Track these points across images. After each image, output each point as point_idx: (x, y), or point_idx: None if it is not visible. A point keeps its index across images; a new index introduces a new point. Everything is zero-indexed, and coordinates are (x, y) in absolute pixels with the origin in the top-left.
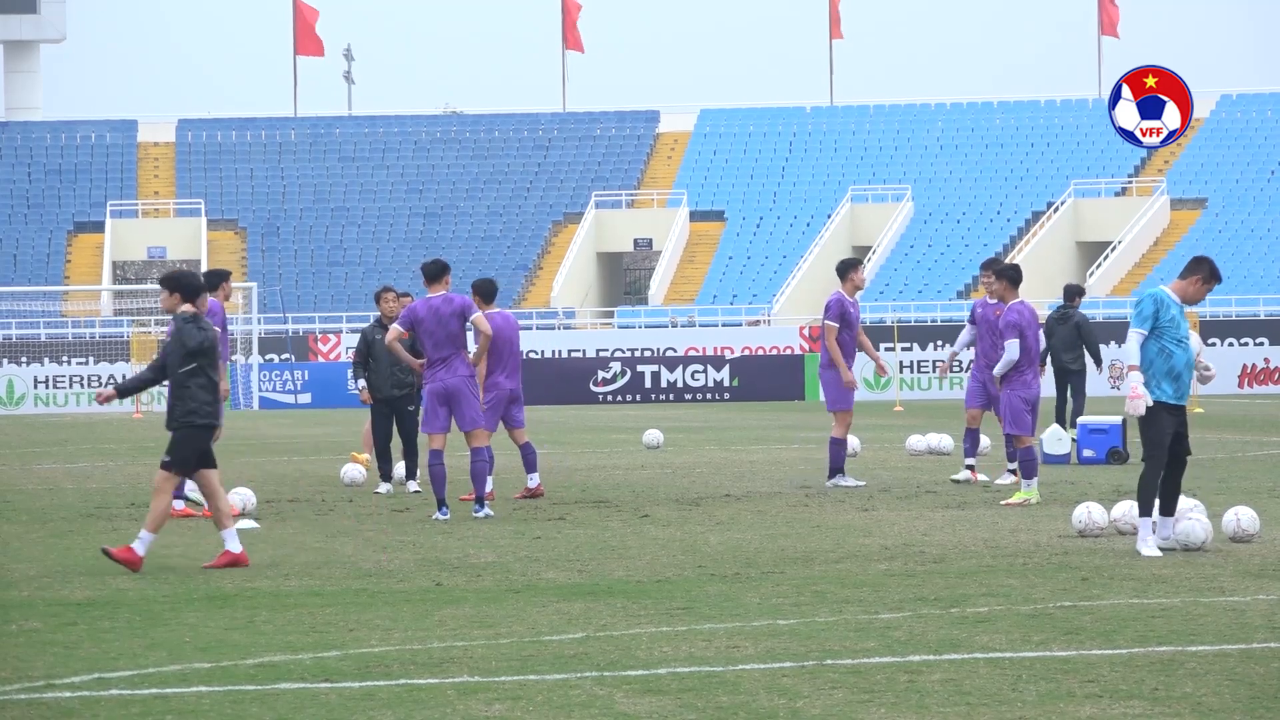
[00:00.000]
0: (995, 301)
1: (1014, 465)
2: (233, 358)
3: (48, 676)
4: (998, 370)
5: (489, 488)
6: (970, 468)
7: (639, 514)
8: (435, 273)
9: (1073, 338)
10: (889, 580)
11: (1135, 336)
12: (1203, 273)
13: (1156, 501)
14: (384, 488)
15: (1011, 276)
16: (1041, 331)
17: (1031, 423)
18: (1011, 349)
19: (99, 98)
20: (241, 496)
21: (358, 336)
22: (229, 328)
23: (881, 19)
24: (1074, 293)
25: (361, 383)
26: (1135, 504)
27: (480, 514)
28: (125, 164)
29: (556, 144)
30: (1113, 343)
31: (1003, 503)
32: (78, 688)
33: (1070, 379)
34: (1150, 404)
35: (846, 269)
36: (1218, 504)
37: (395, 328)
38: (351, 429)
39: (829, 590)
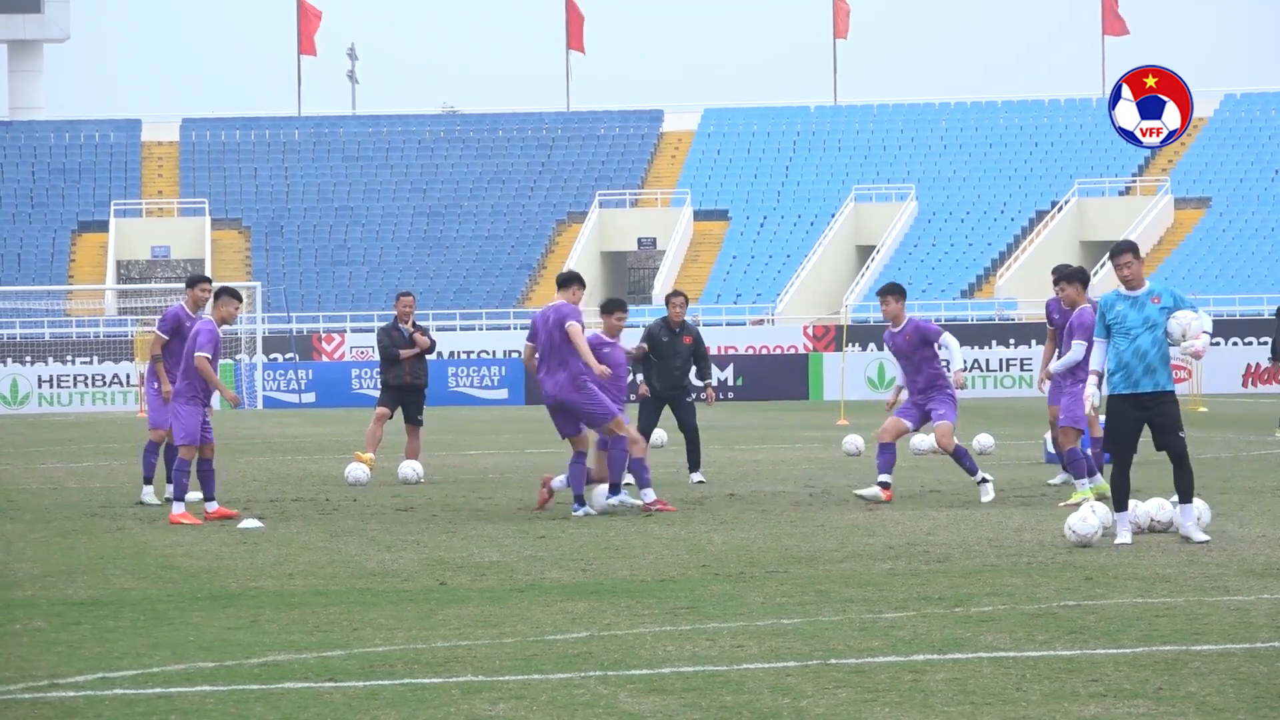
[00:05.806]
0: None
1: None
2: (236, 357)
3: (52, 676)
4: (1056, 368)
5: (625, 478)
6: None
7: (642, 513)
8: (561, 281)
9: None
10: (893, 580)
11: (1097, 345)
12: (1114, 260)
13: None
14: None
15: (1083, 279)
16: None
17: (1085, 422)
18: (1077, 350)
19: (103, 97)
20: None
21: (643, 332)
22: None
23: (885, 18)
24: None
25: (640, 377)
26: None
27: (579, 512)
28: (129, 163)
29: (560, 143)
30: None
31: (1061, 504)
32: (81, 687)
33: None
34: (1095, 405)
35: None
36: (1220, 503)
37: (527, 344)
38: (355, 428)
39: (833, 590)
